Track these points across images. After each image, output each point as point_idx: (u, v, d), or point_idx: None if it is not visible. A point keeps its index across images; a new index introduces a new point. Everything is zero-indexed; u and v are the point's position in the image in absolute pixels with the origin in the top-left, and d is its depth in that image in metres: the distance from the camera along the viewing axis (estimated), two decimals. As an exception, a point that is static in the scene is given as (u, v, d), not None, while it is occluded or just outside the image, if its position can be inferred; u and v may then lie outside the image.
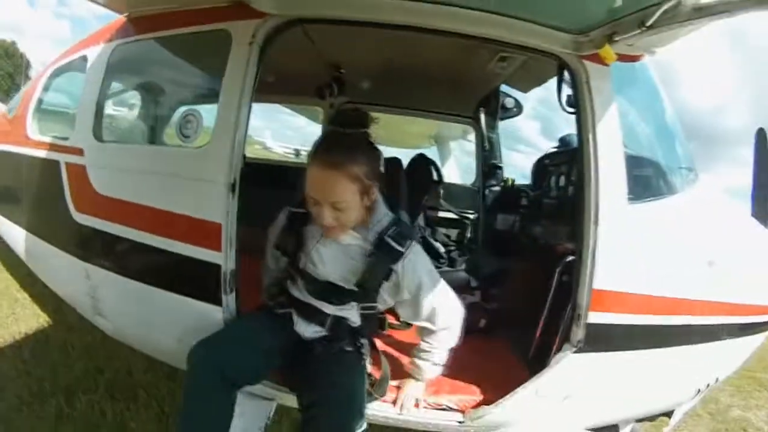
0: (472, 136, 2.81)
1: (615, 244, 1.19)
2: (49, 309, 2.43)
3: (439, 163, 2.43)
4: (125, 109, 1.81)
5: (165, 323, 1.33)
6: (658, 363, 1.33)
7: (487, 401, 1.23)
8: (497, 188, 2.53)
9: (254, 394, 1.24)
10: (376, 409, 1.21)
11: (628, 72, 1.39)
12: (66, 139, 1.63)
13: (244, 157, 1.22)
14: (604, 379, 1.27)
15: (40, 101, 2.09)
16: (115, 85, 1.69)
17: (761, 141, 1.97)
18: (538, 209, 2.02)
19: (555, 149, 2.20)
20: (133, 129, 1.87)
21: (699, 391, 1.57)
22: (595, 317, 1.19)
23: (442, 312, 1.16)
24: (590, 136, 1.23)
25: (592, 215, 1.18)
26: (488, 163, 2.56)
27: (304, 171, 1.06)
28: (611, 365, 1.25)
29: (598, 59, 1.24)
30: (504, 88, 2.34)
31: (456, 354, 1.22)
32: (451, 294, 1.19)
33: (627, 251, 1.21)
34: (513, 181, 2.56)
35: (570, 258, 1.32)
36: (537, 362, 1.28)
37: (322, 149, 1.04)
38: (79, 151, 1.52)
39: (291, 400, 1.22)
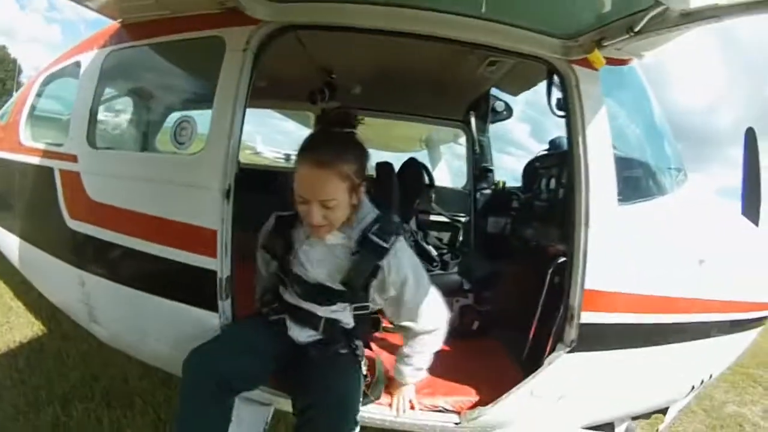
0: (462, 140, 2.83)
1: (606, 245, 1.21)
2: (43, 317, 2.42)
3: (429, 167, 2.45)
4: (119, 115, 1.80)
5: (161, 330, 1.33)
6: (652, 361, 1.35)
7: (482, 402, 1.24)
8: (488, 191, 2.56)
9: (251, 399, 1.24)
10: (373, 412, 1.21)
11: (616, 75, 1.41)
12: (60, 145, 1.62)
13: (239, 163, 1.23)
14: (598, 378, 1.29)
15: (33, 107, 2.08)
16: (109, 92, 1.69)
17: (751, 140, 2.01)
18: (529, 212, 2.04)
19: (545, 152, 2.22)
20: (128, 135, 1.87)
21: (693, 388, 1.59)
22: (587, 317, 1.20)
23: (426, 311, 1.15)
24: (580, 139, 1.25)
25: (583, 217, 1.20)
26: (479, 167, 2.59)
27: None
28: (605, 364, 1.27)
29: (587, 64, 1.26)
30: (494, 91, 2.37)
31: (450, 356, 1.23)
32: (436, 295, 1.18)
33: (618, 252, 1.23)
34: (504, 183, 2.58)
35: (561, 259, 1.34)
36: (531, 363, 1.29)
37: (311, 148, 1.04)
38: (73, 158, 1.51)
39: (288, 405, 1.22)
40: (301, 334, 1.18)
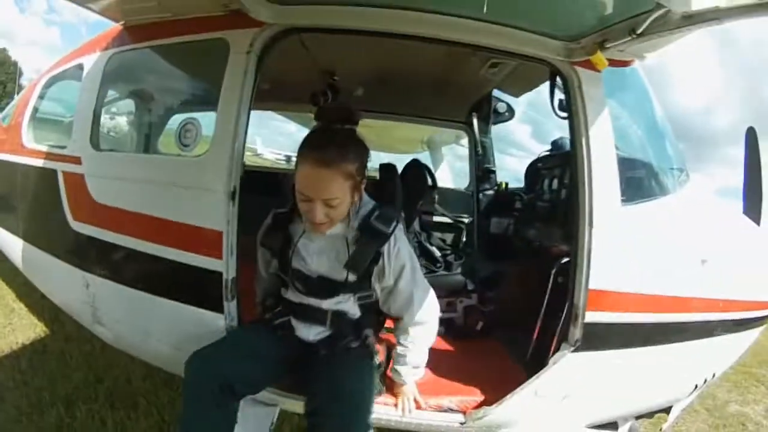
0: (464, 141, 2.84)
1: (610, 245, 1.22)
2: (46, 319, 2.42)
3: (431, 169, 2.46)
4: (123, 117, 1.81)
5: (165, 331, 1.33)
6: (656, 360, 1.35)
7: (487, 402, 1.24)
8: (491, 192, 2.57)
9: (257, 400, 1.24)
10: (379, 412, 1.21)
11: (619, 77, 1.42)
12: (63, 147, 1.62)
13: (243, 165, 1.23)
14: (602, 377, 1.29)
15: (35, 110, 2.08)
16: (112, 94, 1.70)
17: (752, 139, 2.01)
18: (532, 212, 2.05)
19: (547, 153, 2.23)
20: (132, 138, 1.87)
21: (696, 387, 1.59)
22: (591, 317, 1.21)
23: (418, 302, 1.15)
24: (583, 140, 1.26)
25: (587, 217, 1.20)
26: (482, 168, 2.60)
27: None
28: (609, 364, 1.27)
29: (589, 65, 1.27)
30: (496, 92, 2.38)
31: (455, 356, 1.24)
32: (428, 287, 1.19)
33: (622, 252, 1.24)
34: (506, 184, 2.59)
35: (565, 260, 1.34)
36: (535, 363, 1.29)
37: (315, 147, 1.03)
38: (77, 160, 1.52)
39: (294, 405, 1.22)
40: (310, 333, 1.17)
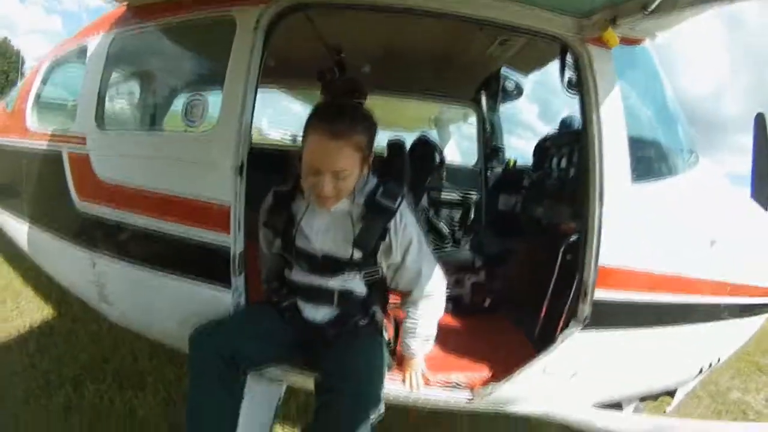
0: (471, 119, 2.82)
1: (620, 222, 1.21)
2: (53, 301, 2.43)
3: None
4: (128, 96, 1.80)
5: (172, 308, 1.33)
6: (662, 341, 1.35)
7: (495, 378, 1.25)
8: (499, 169, 2.55)
9: (264, 376, 1.25)
10: (387, 388, 1.21)
11: (629, 55, 1.40)
12: (67, 129, 1.62)
13: (251, 140, 1.22)
14: (610, 356, 1.29)
15: (39, 93, 2.07)
16: (117, 74, 1.69)
17: (761, 125, 1.99)
18: (541, 190, 2.03)
19: (557, 131, 2.21)
20: (137, 116, 1.86)
21: (701, 370, 1.59)
22: (601, 294, 1.20)
23: (426, 276, 1.15)
24: (594, 117, 1.24)
25: (597, 194, 1.20)
26: (490, 145, 2.58)
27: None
28: (617, 342, 1.27)
29: (600, 42, 1.25)
30: (504, 70, 2.35)
31: (463, 332, 1.24)
32: (434, 260, 1.18)
33: (631, 229, 1.23)
34: (515, 162, 2.57)
35: (573, 237, 1.34)
36: (542, 340, 1.30)
37: (325, 119, 1.02)
38: (82, 140, 1.51)
39: (302, 381, 1.23)
40: (317, 314, 1.16)
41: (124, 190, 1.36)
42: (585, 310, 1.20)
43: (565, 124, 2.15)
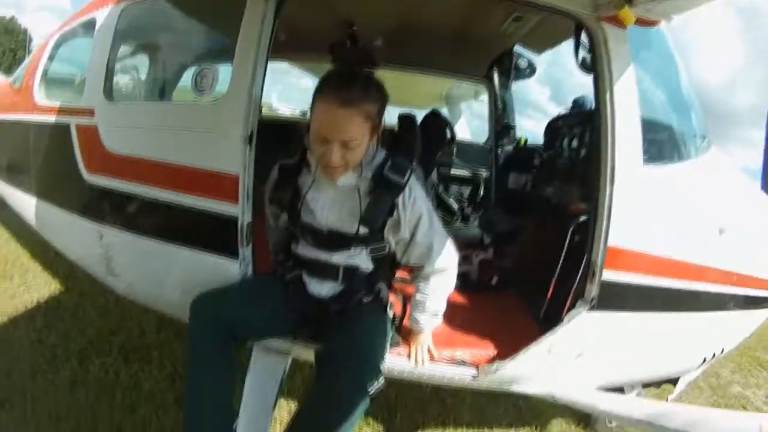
0: (482, 97, 2.78)
1: (630, 203, 1.20)
2: (60, 276, 2.44)
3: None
4: (137, 68, 1.79)
5: (179, 278, 1.34)
6: (668, 327, 1.34)
7: (501, 356, 1.24)
8: (510, 148, 2.52)
9: (269, 349, 1.25)
10: (393, 362, 1.22)
11: (645, 36, 1.38)
12: (75, 101, 1.61)
13: (260, 110, 1.21)
14: (616, 338, 1.28)
15: (46, 68, 2.07)
16: (126, 45, 1.67)
17: (774, 119, 1.96)
18: (551, 169, 2.01)
19: (568, 110, 2.19)
20: (146, 87, 1.85)
21: (705, 360, 1.58)
22: (609, 275, 1.19)
23: (437, 251, 1.13)
24: (607, 97, 1.22)
25: (609, 174, 1.18)
26: (501, 123, 2.55)
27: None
28: (623, 325, 1.26)
29: (616, 22, 1.22)
30: (517, 48, 2.31)
31: (469, 310, 1.23)
32: (446, 235, 1.16)
33: (641, 211, 1.22)
34: (526, 140, 2.54)
35: (582, 218, 1.33)
36: (549, 320, 1.29)
37: (335, 86, 0.99)
38: (90, 112, 1.51)
39: (307, 355, 1.23)
40: (322, 288, 1.16)
41: (132, 162, 1.36)
42: (592, 290, 1.19)
43: (577, 104, 2.12)
